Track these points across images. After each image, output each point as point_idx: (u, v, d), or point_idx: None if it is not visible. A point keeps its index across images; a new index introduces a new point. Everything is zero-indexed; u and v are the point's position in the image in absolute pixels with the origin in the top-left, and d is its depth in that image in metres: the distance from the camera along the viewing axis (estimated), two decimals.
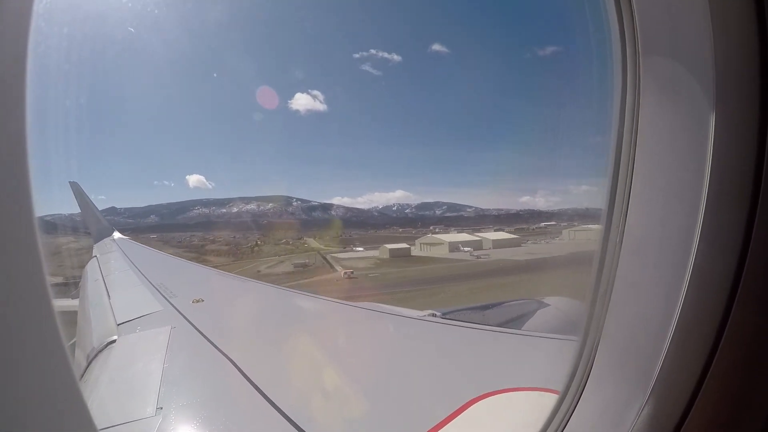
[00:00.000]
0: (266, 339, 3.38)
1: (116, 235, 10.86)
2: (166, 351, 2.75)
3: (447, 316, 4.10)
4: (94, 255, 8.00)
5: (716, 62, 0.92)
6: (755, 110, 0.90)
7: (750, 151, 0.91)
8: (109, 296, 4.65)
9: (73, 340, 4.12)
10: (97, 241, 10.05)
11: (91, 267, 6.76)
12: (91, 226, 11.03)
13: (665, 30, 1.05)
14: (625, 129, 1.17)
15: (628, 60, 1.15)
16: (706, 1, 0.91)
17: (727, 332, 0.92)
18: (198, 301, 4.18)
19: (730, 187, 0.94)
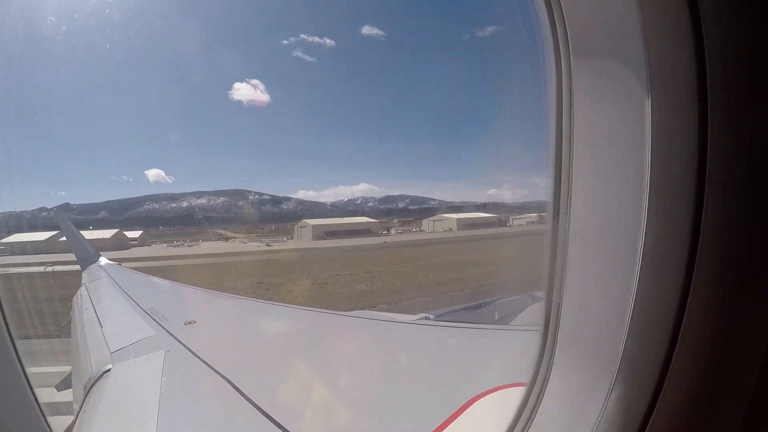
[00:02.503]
0: (260, 354, 3.44)
1: (103, 260, 10.80)
2: (161, 375, 2.76)
3: (440, 318, 4.27)
4: (82, 283, 8.06)
5: (648, 56, 0.95)
6: (692, 99, 0.93)
7: (689, 129, 0.94)
8: (101, 325, 4.67)
9: (69, 371, 4.18)
10: (84, 267, 10.08)
11: (81, 295, 6.76)
12: (77, 253, 11.07)
13: (596, 28, 1.11)
14: (563, 124, 1.23)
15: (562, 59, 1.20)
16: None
17: (687, 310, 0.94)
18: (190, 323, 4.29)
19: (671, 166, 0.97)
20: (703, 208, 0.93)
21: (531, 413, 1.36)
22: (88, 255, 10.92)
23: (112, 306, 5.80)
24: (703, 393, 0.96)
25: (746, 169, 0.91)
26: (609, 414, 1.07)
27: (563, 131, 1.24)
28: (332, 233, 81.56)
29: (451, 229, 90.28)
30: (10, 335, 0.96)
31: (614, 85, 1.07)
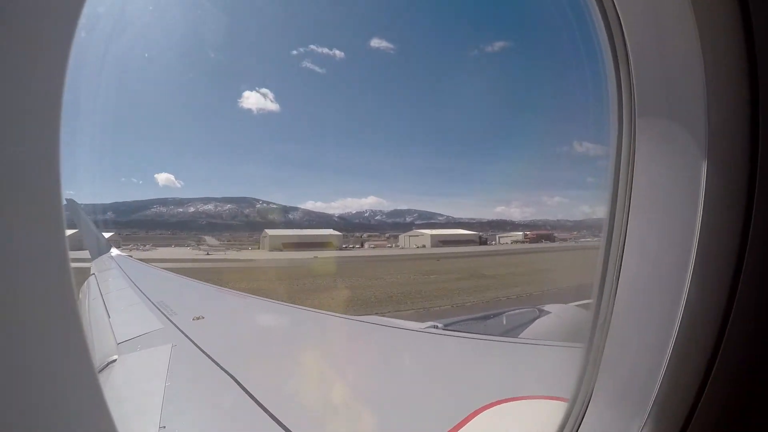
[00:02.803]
0: (267, 355, 3.45)
1: (114, 251, 10.98)
2: (167, 369, 2.77)
3: (448, 328, 4.24)
4: (92, 273, 8.03)
5: (709, 118, 1.03)
6: (745, 160, 1.00)
7: (739, 196, 1.01)
8: (108, 315, 4.67)
9: None
10: (94, 258, 10.12)
11: (90, 285, 6.75)
12: (88, 243, 11.19)
13: (661, 87, 1.17)
14: (621, 167, 1.29)
15: (624, 112, 1.27)
16: (701, 61, 1.02)
17: (727, 334, 0.99)
18: (198, 319, 4.28)
19: (725, 193, 1.03)
20: (749, 236, 0.99)
21: (573, 427, 1.37)
22: (98, 245, 11.01)
23: (121, 297, 5.81)
24: (735, 417, 1.01)
25: None
26: (652, 422, 1.11)
27: (620, 171, 1.28)
28: (289, 245, 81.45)
29: (424, 246, 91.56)
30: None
31: (673, 141, 1.13)
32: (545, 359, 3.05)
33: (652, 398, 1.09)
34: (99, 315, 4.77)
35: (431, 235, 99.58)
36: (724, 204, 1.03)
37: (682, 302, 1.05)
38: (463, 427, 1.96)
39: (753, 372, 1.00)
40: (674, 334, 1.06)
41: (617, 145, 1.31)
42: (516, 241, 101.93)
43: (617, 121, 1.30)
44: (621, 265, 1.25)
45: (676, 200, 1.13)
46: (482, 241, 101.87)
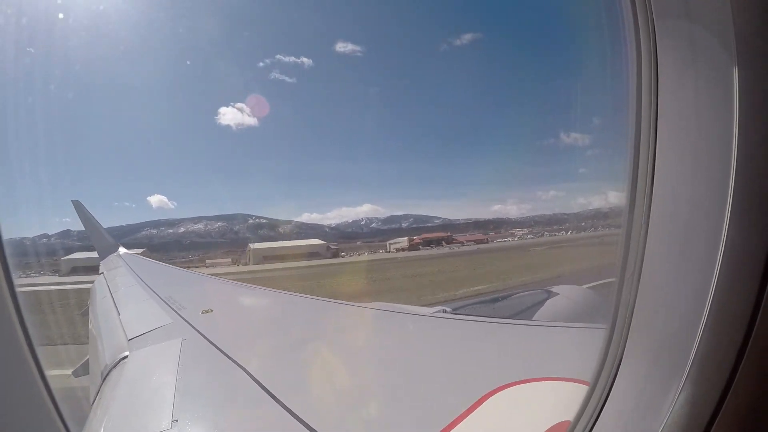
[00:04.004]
0: (277, 344, 3.46)
1: (122, 250, 11.20)
2: (178, 363, 2.81)
3: (457, 311, 4.24)
4: (101, 272, 8.27)
5: (734, 21, 0.93)
6: None
7: None
8: (118, 312, 4.74)
9: (86, 358, 4.24)
10: (103, 257, 10.45)
11: (99, 284, 6.92)
12: (96, 242, 11.53)
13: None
14: (643, 104, 1.19)
15: (641, 32, 1.17)
16: (733, 52, 0.93)
17: (762, 310, 0.93)
18: (207, 312, 4.32)
19: (760, 155, 0.93)
20: None
21: (594, 410, 1.34)
22: (107, 244, 11.24)
23: (130, 294, 5.90)
24: None
25: None
26: (676, 414, 1.07)
27: (642, 122, 1.20)
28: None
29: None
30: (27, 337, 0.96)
31: (697, 54, 1.05)
32: (560, 341, 3.02)
33: (688, 365, 1.04)
34: (109, 313, 4.83)
35: (253, 250, 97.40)
36: (761, 120, 0.93)
37: (720, 250, 0.98)
38: (476, 410, 1.97)
39: None
40: (712, 287, 1.00)
41: (636, 128, 1.24)
42: (400, 249, 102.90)
43: (636, 99, 1.23)
44: (649, 211, 1.19)
45: (706, 141, 1.05)
46: (334, 253, 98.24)
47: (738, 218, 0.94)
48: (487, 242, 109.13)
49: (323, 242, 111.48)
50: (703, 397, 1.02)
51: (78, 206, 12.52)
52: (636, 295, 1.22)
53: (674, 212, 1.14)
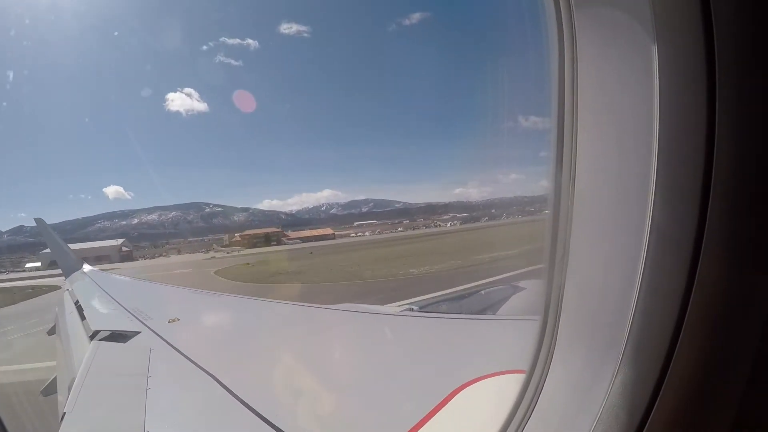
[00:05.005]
0: (244, 349, 3.53)
1: (86, 267, 11.06)
2: (147, 374, 2.79)
3: (424, 310, 4.35)
4: (66, 289, 8.14)
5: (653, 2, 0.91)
6: (700, 46, 0.87)
7: (699, 87, 0.88)
8: (82, 318, 4.76)
9: (54, 376, 4.10)
10: (67, 275, 10.24)
11: (65, 301, 6.79)
12: (60, 261, 11.42)
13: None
14: (566, 87, 1.18)
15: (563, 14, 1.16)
16: (654, 50, 0.91)
17: (696, 287, 0.91)
18: (174, 321, 4.42)
19: (682, 130, 0.92)
20: (711, 179, 0.87)
21: (531, 400, 1.34)
22: (70, 262, 11.11)
23: (96, 306, 5.89)
24: (708, 373, 0.95)
25: (762, 123, 0.83)
26: (614, 397, 1.06)
27: (565, 100, 1.18)
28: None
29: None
30: None
31: (619, 40, 1.03)
32: (525, 334, 3.13)
33: (623, 346, 1.03)
34: (74, 324, 4.79)
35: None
36: (681, 96, 0.92)
37: (647, 230, 0.97)
38: (446, 405, 2.00)
39: (728, 306, 0.91)
40: (640, 269, 0.98)
41: (558, 112, 1.21)
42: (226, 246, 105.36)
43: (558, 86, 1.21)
44: (573, 198, 1.18)
45: (629, 117, 1.03)
46: (125, 257, 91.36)
47: (663, 198, 0.94)
48: (334, 238, 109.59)
49: (117, 243, 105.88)
50: (640, 378, 1.01)
51: (40, 224, 12.48)
52: (564, 281, 1.22)
53: (599, 195, 1.14)
